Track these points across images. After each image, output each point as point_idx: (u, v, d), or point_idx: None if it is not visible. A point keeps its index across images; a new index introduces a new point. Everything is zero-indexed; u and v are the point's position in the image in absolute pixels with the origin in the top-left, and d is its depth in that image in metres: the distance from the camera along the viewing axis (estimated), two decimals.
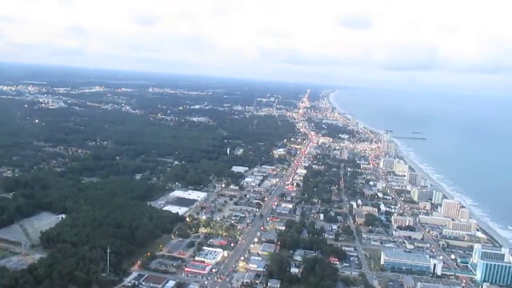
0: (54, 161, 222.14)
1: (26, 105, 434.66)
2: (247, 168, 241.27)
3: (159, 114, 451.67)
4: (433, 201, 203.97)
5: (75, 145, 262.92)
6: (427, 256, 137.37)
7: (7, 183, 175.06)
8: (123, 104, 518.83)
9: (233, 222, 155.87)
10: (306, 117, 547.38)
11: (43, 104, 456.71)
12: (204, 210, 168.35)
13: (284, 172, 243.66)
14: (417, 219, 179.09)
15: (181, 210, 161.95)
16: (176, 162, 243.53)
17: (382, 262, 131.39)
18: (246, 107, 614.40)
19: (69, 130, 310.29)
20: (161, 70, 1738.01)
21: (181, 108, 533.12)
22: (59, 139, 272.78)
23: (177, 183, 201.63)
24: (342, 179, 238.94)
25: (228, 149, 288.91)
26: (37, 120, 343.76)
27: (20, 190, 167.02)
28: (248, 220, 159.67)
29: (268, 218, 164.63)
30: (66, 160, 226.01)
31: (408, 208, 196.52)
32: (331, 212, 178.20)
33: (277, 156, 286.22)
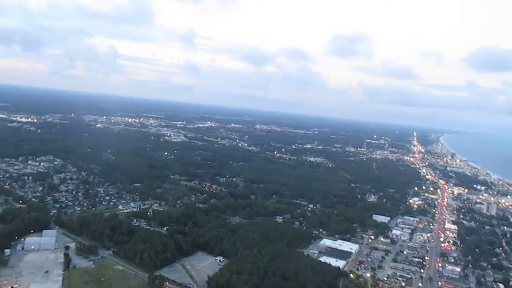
0: (194, 196, 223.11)
1: (152, 137, 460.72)
2: (389, 218, 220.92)
3: (275, 152, 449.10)
4: None
5: (208, 180, 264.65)
6: None
7: (159, 217, 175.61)
8: (237, 140, 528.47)
9: (402, 284, 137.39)
10: (427, 163, 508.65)
11: (166, 137, 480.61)
12: (363, 266, 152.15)
13: (431, 226, 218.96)
14: None
15: (338, 263, 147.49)
16: (311, 206, 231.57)
17: None
18: (358, 148, 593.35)
19: (198, 164, 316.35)
20: (266, 107, 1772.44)
21: (294, 146, 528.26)
22: (192, 173, 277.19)
23: (321, 230, 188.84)
24: (503, 240, 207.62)
25: (358, 195, 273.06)
26: (166, 153, 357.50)
27: (173, 226, 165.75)
28: (419, 284, 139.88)
29: (439, 283, 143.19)
30: (205, 196, 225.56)
31: None
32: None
33: (415, 206, 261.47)
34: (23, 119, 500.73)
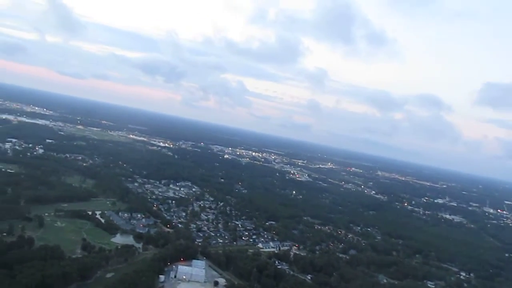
0: (332, 244, 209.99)
1: (277, 174, 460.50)
2: None
3: (406, 204, 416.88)
4: None
5: (342, 227, 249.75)
6: None
7: (302, 263, 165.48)
8: (362, 186, 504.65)
9: None
10: None
11: (291, 175, 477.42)
12: None
13: None
14: None
15: None
16: (463, 274, 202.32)
17: None
18: (498, 210, 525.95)
19: (329, 208, 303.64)
20: (385, 153, 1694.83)
21: (424, 200, 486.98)
22: (324, 217, 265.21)
23: None
24: None
25: None
26: (294, 192, 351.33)
27: (318, 275, 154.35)
28: None
29: None
30: (343, 245, 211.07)
31: None
32: None
33: None
34: (161, 144, 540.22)
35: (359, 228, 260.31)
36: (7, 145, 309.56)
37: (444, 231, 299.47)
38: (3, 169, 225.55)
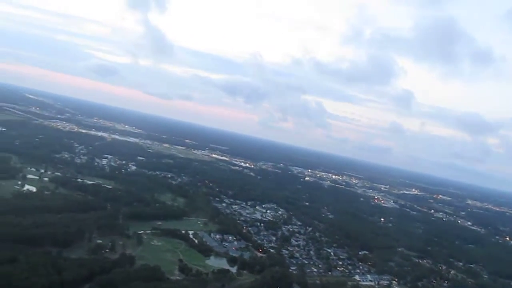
0: (434, 280, 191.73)
1: (362, 199, 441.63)
2: None
3: (507, 238, 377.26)
4: None
5: (441, 262, 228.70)
6: None
7: None
8: (454, 216, 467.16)
9: None
10: None
11: (376, 200, 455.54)
12: None
13: None
14: None
15: None
16: None
17: None
18: None
19: (423, 239, 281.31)
20: (473, 180, 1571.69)
21: None
22: (420, 250, 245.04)
23: None
24: None
25: None
26: (382, 219, 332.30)
27: None
28: None
29: None
30: (446, 282, 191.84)
31: None
32: None
33: None
34: (242, 164, 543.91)
35: (461, 263, 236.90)
36: (104, 161, 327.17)
37: None
38: (102, 185, 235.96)
